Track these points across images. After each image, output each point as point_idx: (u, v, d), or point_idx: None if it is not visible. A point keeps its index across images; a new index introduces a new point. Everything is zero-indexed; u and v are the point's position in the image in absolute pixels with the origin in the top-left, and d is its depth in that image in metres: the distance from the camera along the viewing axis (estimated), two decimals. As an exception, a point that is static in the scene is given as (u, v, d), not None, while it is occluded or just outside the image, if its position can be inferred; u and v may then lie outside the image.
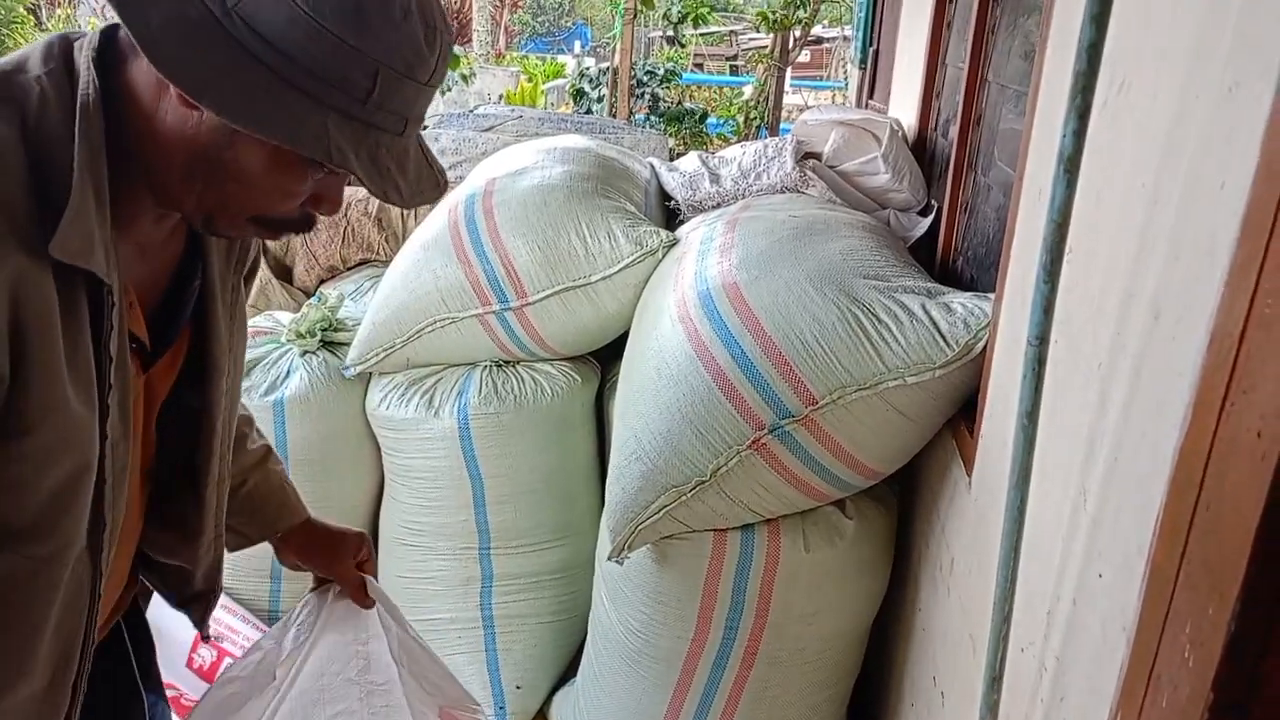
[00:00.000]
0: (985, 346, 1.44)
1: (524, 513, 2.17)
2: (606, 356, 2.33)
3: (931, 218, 2.30)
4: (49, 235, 0.68)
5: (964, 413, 1.54)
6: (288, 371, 2.24)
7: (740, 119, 7.74)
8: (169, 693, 1.96)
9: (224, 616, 2.13)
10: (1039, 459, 0.95)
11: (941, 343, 1.50)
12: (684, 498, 1.64)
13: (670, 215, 2.51)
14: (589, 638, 2.02)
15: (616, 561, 1.71)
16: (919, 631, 1.65)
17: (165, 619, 2.06)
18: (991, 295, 1.49)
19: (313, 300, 2.43)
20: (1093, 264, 0.97)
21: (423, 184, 0.83)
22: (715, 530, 1.69)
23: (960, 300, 1.56)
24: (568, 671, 2.25)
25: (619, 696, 1.89)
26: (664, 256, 2.06)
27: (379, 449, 2.26)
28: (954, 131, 2.10)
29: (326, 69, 0.72)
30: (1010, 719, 1.05)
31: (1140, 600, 0.76)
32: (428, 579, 2.19)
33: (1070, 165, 0.81)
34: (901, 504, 1.82)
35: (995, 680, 1.01)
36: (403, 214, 2.81)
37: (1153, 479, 0.77)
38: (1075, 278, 0.98)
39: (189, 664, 2.09)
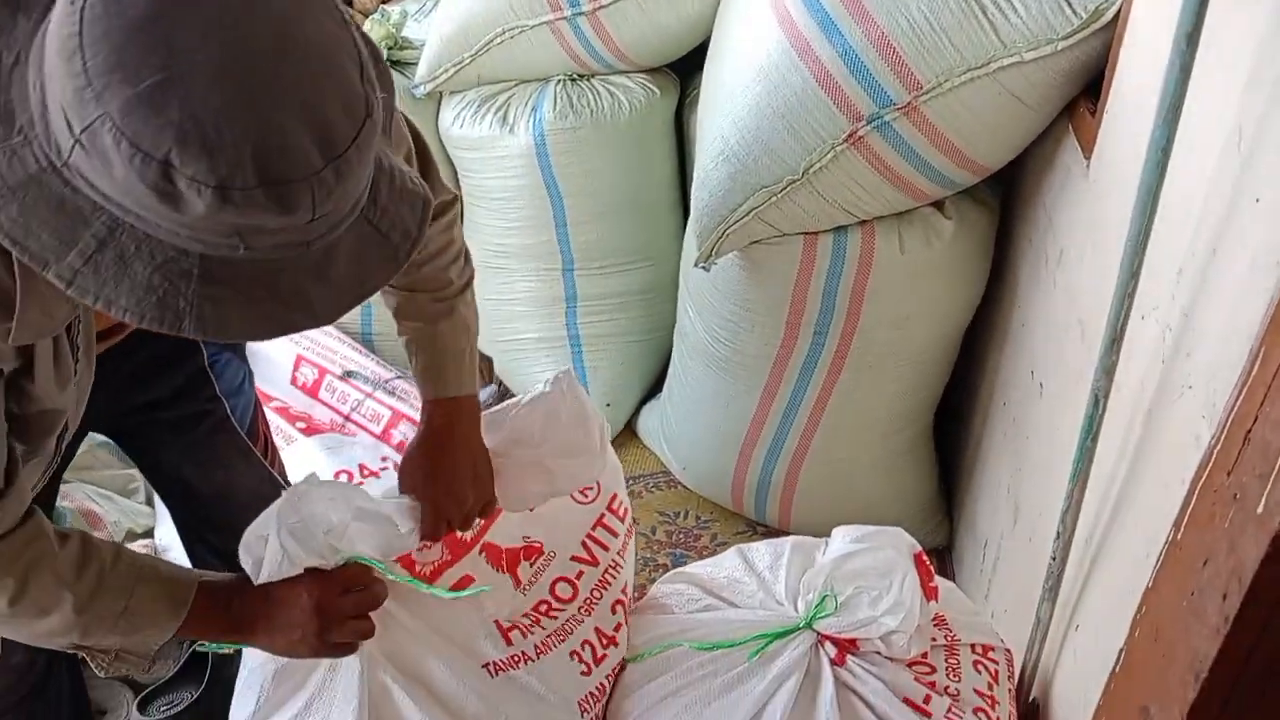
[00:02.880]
0: (1119, 10, 1.29)
1: (606, 233, 2.14)
2: (685, 71, 2.20)
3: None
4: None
5: (1084, 94, 1.41)
6: (357, 94, 2.17)
7: None
8: (274, 403, 2.07)
9: (320, 338, 2.20)
10: (1189, 96, 0.85)
11: (1067, 10, 1.34)
12: (774, 198, 1.57)
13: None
14: (675, 352, 2.04)
15: (703, 268, 1.68)
16: (1017, 328, 1.61)
17: (266, 345, 2.15)
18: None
19: (375, 17, 2.31)
20: None
21: (365, 268, 0.71)
22: (806, 233, 1.63)
23: (1091, -38, 1.39)
24: (653, 391, 2.31)
25: (705, 403, 1.93)
26: (750, -55, 1.87)
27: (455, 171, 2.22)
28: None
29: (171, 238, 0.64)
30: (1125, 387, 1.02)
31: (1306, 223, 0.69)
32: (513, 300, 2.21)
33: None
34: (1001, 206, 1.73)
35: (1114, 342, 0.97)
36: (462, -79, 2.60)
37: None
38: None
39: (293, 381, 2.19)
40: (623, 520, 1.29)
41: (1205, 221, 0.88)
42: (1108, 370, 0.99)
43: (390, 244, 0.72)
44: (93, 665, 0.97)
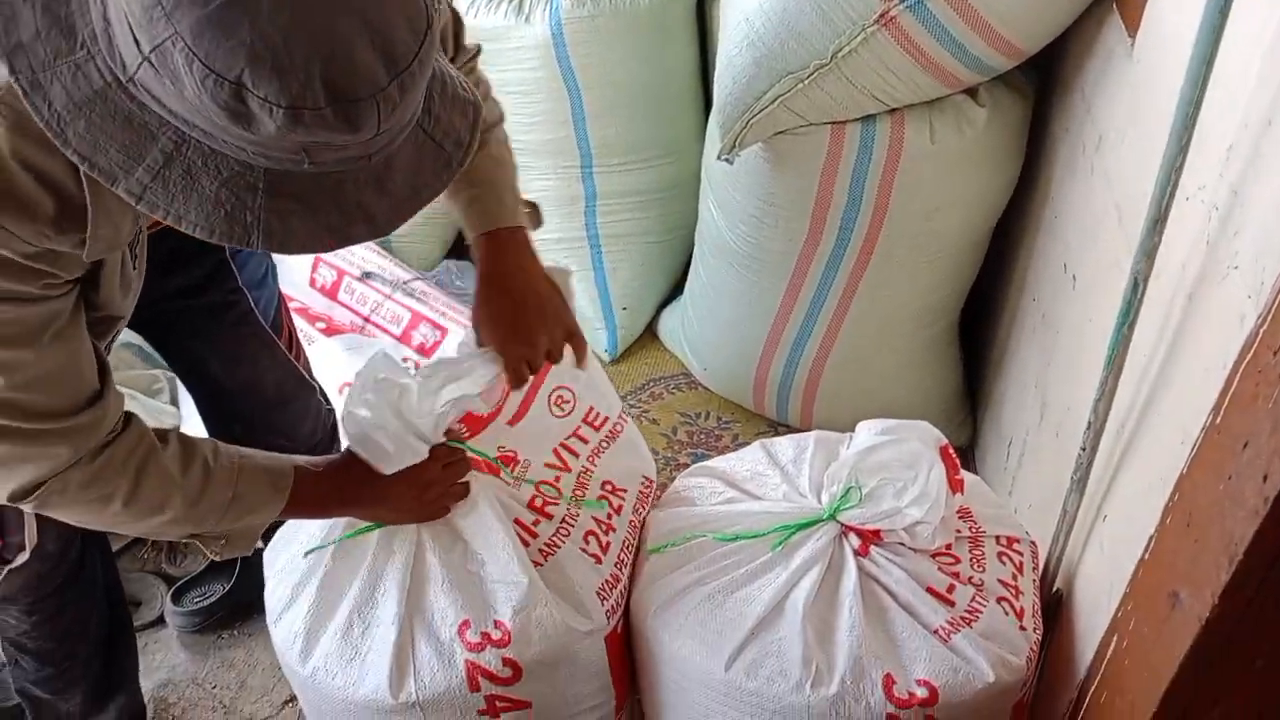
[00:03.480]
0: None
1: (625, 128, 2.08)
2: (707, -45, 2.11)
3: None
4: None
5: (1130, -32, 1.33)
6: (367, -15, 2.10)
7: None
8: (293, 304, 2.06)
9: (337, 239, 2.17)
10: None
11: (1117, -127, 1.26)
12: (801, 85, 1.51)
13: None
14: (696, 252, 2.00)
15: (726, 160, 1.64)
16: (1050, 220, 1.56)
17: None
18: None
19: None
20: None
21: (421, 177, 0.73)
22: (833, 123, 1.58)
23: None
24: (674, 292, 2.28)
25: (726, 303, 1.90)
26: None
27: (470, 66, 2.15)
28: None
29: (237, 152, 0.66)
30: (1164, 272, 0.99)
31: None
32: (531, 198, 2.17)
33: None
34: (1036, 93, 1.66)
35: (1158, 223, 0.93)
36: None
37: None
38: None
39: (311, 283, 2.17)
40: (598, 429, 1.32)
41: (1261, 92, 0.83)
42: (1149, 253, 0.95)
43: (445, 153, 0.74)
44: (206, 551, 1.03)
